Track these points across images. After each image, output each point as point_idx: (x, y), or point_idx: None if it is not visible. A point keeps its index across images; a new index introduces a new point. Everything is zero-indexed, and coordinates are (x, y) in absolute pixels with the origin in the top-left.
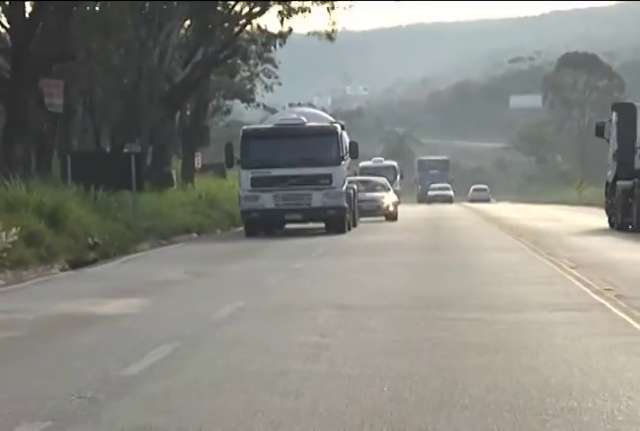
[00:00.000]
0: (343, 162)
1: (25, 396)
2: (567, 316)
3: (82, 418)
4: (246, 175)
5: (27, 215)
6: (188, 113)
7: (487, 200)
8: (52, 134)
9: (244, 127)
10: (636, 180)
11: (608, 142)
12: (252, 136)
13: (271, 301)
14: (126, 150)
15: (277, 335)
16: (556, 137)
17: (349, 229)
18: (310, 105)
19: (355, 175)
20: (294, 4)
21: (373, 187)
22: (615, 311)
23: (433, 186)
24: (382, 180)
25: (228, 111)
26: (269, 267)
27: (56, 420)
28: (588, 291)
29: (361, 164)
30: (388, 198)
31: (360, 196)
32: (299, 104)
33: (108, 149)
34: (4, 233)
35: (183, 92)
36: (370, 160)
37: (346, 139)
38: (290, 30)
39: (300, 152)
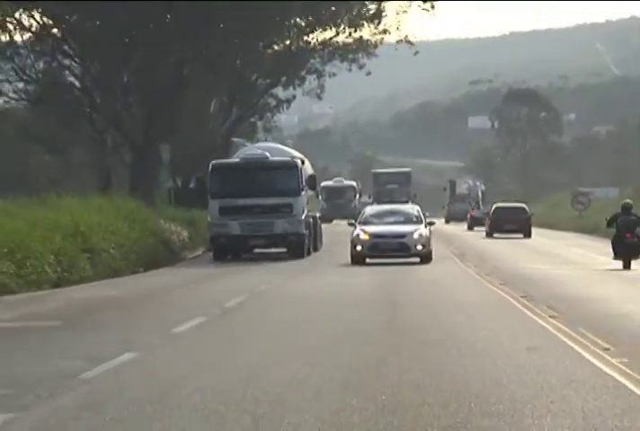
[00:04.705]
0: (303, 193)
1: (247, 281)
2: (437, 262)
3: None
4: (215, 204)
5: (181, 224)
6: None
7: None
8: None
9: (213, 162)
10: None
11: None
12: (220, 169)
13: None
14: (191, 184)
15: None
16: (503, 161)
17: (308, 254)
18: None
19: (318, 196)
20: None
21: (398, 218)
22: (457, 260)
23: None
24: (414, 209)
25: (237, 147)
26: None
27: (217, 308)
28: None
29: (322, 184)
30: (417, 234)
31: (379, 230)
32: (266, 139)
33: (179, 183)
34: (184, 233)
35: (223, 141)
36: (331, 180)
37: (307, 172)
38: (294, 96)
39: (264, 183)
